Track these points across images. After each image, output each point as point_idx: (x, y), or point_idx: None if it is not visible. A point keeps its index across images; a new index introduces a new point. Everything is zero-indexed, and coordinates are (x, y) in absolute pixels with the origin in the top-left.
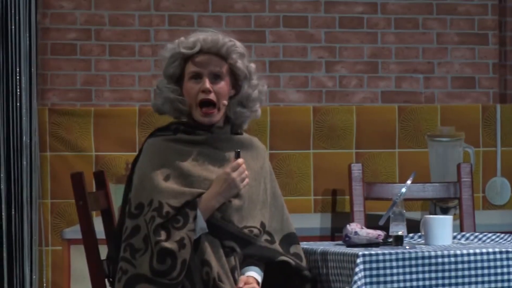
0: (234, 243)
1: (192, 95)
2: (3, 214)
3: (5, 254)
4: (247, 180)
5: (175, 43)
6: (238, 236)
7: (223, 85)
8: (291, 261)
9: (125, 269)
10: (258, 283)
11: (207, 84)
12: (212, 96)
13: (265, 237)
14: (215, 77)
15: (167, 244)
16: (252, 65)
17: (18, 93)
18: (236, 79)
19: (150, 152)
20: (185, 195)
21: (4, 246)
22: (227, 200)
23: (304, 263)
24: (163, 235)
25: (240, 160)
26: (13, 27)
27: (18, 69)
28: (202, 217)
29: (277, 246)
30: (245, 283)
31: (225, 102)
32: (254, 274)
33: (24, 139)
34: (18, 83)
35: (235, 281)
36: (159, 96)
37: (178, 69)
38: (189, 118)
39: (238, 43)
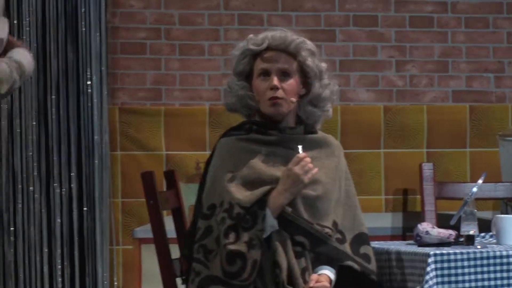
0: (304, 239)
1: (260, 92)
2: (74, 212)
3: (76, 252)
4: (314, 171)
5: (245, 40)
6: (310, 232)
7: (292, 83)
8: (357, 266)
9: (198, 271)
10: (330, 281)
11: (275, 81)
12: (279, 93)
13: (337, 235)
14: (284, 74)
15: (235, 247)
16: (323, 64)
17: (89, 92)
18: (306, 77)
19: (222, 152)
20: (255, 194)
21: (76, 244)
22: (295, 195)
23: (372, 265)
24: (231, 237)
25: (301, 154)
26: (83, 27)
27: (88, 69)
28: (272, 215)
29: (346, 247)
30: (316, 281)
31: (294, 99)
32: (328, 272)
33: (95, 138)
34: (89, 83)
35: (305, 283)
36: (230, 95)
37: (248, 66)
38: (260, 116)
39: (308, 42)
